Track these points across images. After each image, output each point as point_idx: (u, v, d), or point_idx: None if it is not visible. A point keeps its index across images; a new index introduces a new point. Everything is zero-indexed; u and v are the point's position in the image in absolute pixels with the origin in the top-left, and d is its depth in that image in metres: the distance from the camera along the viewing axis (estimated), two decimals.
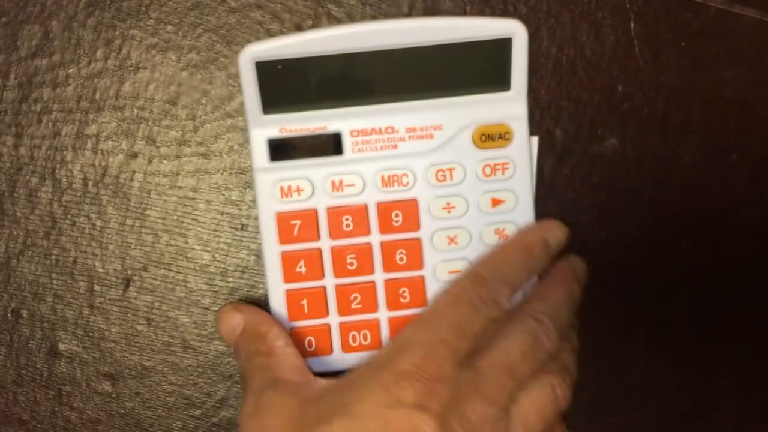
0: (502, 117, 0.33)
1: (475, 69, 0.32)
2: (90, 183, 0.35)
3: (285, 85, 0.32)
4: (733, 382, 0.39)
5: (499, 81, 0.33)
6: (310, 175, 0.33)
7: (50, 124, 0.34)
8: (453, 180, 0.33)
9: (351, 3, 0.34)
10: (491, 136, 0.33)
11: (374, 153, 0.33)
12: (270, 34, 0.34)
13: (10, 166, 0.35)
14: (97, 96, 0.34)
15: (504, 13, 0.34)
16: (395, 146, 0.33)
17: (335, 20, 0.34)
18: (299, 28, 0.34)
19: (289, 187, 0.33)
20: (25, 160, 0.35)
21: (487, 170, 0.33)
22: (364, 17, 0.34)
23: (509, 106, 0.33)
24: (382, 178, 0.33)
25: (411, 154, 0.33)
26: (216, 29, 0.34)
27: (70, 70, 0.34)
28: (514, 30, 0.32)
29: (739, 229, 0.37)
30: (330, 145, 0.32)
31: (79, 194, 0.35)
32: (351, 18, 0.34)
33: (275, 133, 0.32)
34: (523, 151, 0.33)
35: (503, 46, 0.32)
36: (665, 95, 0.36)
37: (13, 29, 0.34)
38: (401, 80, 0.32)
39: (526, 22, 0.32)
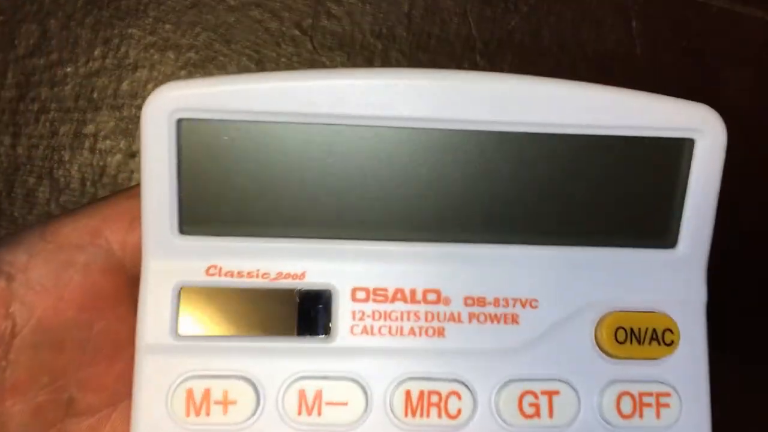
0: (658, 299, 0.18)
1: (609, 195, 0.18)
2: (88, 183, 0.35)
3: (229, 180, 0.17)
4: (732, 383, 0.39)
5: (657, 226, 0.18)
6: (257, 373, 0.17)
7: (48, 124, 0.34)
8: (552, 419, 0.17)
9: (351, 1, 0.33)
10: (637, 335, 0.18)
11: (395, 340, 0.17)
12: (269, 33, 0.33)
13: (8, 166, 0.34)
14: (95, 95, 0.34)
15: (504, 13, 0.34)
16: (440, 332, 0.17)
17: (335, 19, 0.33)
18: (299, 26, 0.33)
19: (207, 393, 0.17)
20: (23, 159, 0.34)
21: (626, 405, 0.18)
22: (364, 16, 0.33)
23: (672, 278, 0.18)
24: (408, 395, 0.17)
25: (470, 352, 0.17)
26: (215, 28, 0.34)
27: (68, 69, 0.34)
28: (700, 123, 0.18)
29: (740, 230, 0.37)
30: (308, 314, 0.17)
31: (77, 194, 0.35)
32: (351, 17, 0.34)
33: (197, 276, 0.17)
34: (696, 372, 0.19)
35: (675, 153, 0.18)
36: (666, 95, 0.35)
37: (10, 28, 0.34)
38: (464, 200, 0.17)
39: (527, 21, 0.31)
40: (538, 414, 0.17)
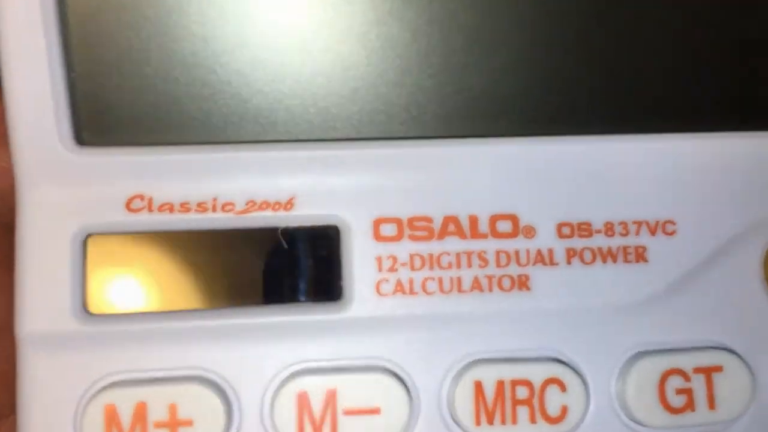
0: None
1: None
2: None
3: (154, 49, 0.10)
4: None
5: None
6: (224, 371, 0.10)
7: None
8: (715, 410, 0.10)
9: None
10: None
11: (450, 301, 0.10)
12: None
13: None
14: None
15: None
16: (522, 282, 0.10)
17: None
18: None
19: (141, 411, 0.09)
20: None
21: None
22: None
23: None
24: (479, 390, 0.10)
25: (572, 313, 0.10)
26: None
27: None
28: None
29: None
30: (303, 267, 0.10)
31: None
32: None
33: (112, 214, 0.10)
34: None
35: None
36: None
37: None
38: (541, 70, 0.10)
39: None
40: (691, 406, 0.10)
